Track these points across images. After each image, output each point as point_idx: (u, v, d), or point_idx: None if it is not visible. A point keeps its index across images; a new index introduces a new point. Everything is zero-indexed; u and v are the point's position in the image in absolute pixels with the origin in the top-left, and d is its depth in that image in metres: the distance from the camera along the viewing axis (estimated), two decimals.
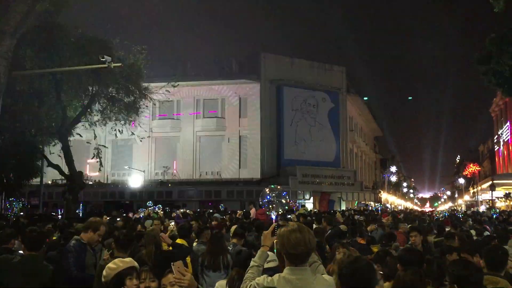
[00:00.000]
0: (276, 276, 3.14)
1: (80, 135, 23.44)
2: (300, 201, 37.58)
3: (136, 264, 3.78)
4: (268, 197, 8.75)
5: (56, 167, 22.88)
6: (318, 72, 42.68)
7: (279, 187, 9.07)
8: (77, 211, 20.59)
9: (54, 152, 24.36)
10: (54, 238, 8.78)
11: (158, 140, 41.16)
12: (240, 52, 44.83)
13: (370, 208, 37.33)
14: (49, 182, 35.54)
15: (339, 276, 3.08)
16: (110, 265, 3.67)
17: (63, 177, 24.61)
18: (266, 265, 4.28)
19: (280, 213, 9.15)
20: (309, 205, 37.66)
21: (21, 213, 22.15)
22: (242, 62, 41.75)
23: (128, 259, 3.76)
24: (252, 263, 3.41)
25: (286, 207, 9.33)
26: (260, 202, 9.49)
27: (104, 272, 3.50)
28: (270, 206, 8.68)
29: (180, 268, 3.17)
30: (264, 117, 39.78)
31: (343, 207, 37.69)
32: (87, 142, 25.85)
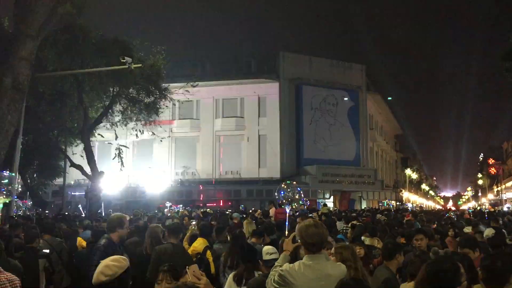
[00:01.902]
0: (296, 263, 3.72)
1: (102, 136, 23.75)
2: (320, 200, 37.43)
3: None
4: (283, 192, 8.80)
5: (79, 167, 23.21)
6: (337, 70, 42.39)
7: (294, 183, 9.20)
8: (99, 211, 20.83)
9: (76, 153, 24.72)
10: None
11: (178, 140, 41.42)
12: (259, 52, 44.62)
13: (392, 206, 36.97)
14: (72, 182, 36.11)
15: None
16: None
17: (85, 177, 24.96)
18: (268, 257, 4.87)
19: (294, 207, 9.27)
20: (329, 204, 37.46)
21: (46, 212, 22.55)
22: (261, 62, 41.68)
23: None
24: (276, 263, 3.97)
25: (301, 202, 9.46)
26: (276, 196, 9.60)
27: (109, 271, 3.38)
28: (285, 201, 8.81)
29: (195, 272, 3.16)
30: (283, 116, 39.69)
31: (364, 206, 37.37)
32: (109, 143, 26.17)
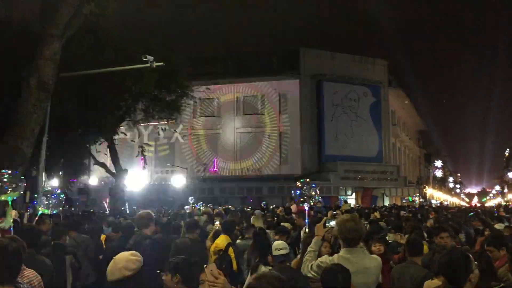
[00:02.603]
0: (335, 255, 3.86)
1: (125, 134, 24.03)
2: (342, 197, 37.20)
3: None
4: (299, 191, 8.85)
5: (102, 165, 23.57)
6: (359, 66, 41.96)
7: (308, 180, 9.24)
8: (122, 208, 21.12)
9: (100, 151, 25.08)
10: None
11: (199, 137, 41.67)
12: (280, 48, 44.48)
13: (416, 203, 36.50)
14: (96, 180, 36.68)
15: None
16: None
17: (109, 175, 25.32)
18: (277, 253, 4.99)
19: (311, 204, 9.32)
20: (352, 201, 37.19)
21: (72, 209, 22.95)
22: (282, 58, 41.52)
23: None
24: (309, 248, 4.20)
25: (317, 198, 9.49)
26: (293, 195, 9.69)
27: (133, 265, 3.42)
28: (302, 199, 8.90)
29: (213, 271, 3.16)
30: (305, 113, 39.50)
31: (386, 203, 36.99)
32: (131, 141, 26.49)
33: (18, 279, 3.49)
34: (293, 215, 12.99)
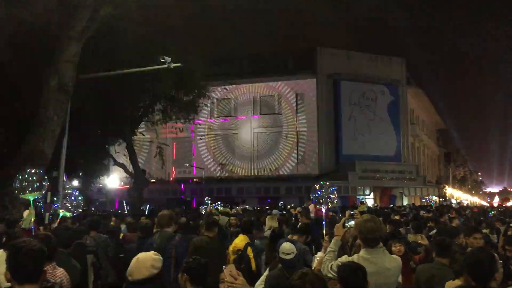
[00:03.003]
0: (355, 256, 3.86)
1: (143, 134, 24.23)
2: (361, 197, 36.93)
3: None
4: (319, 192, 8.89)
5: (121, 165, 23.80)
6: (376, 64, 41.61)
7: (327, 183, 9.29)
8: (141, 208, 21.30)
9: (119, 152, 25.33)
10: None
11: (216, 137, 41.81)
12: (296, 48, 44.33)
13: (434, 203, 36.04)
14: (115, 180, 37.08)
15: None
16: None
17: (128, 175, 25.57)
18: (285, 257, 4.90)
19: (329, 206, 9.37)
20: (370, 200, 36.88)
21: (92, 209, 23.24)
22: (298, 58, 41.41)
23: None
24: (329, 248, 4.24)
25: (335, 202, 9.58)
26: (311, 197, 9.70)
27: (158, 263, 3.51)
28: (320, 201, 8.97)
29: (232, 272, 3.15)
30: (321, 112, 39.33)
31: (405, 203, 36.61)
32: (150, 141, 26.69)
33: (50, 278, 3.56)
34: (311, 215, 12.94)
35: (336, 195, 9.43)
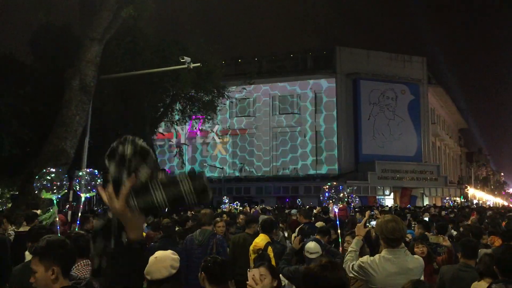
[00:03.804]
0: (376, 256, 3.83)
1: (163, 134, 24.41)
2: (381, 197, 36.61)
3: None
4: (327, 193, 8.98)
5: None
6: (396, 64, 41.18)
7: (334, 183, 9.43)
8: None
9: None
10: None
11: (235, 137, 41.91)
12: (315, 47, 44.15)
13: (453, 204, 35.53)
14: None
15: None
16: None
17: None
18: (310, 256, 4.97)
19: (340, 206, 9.45)
20: (389, 201, 36.54)
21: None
22: (317, 57, 41.26)
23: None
24: (350, 248, 4.25)
25: (346, 200, 9.68)
26: (321, 198, 9.78)
27: (176, 263, 3.56)
28: (330, 202, 9.09)
29: (255, 277, 3.15)
30: (341, 112, 39.11)
31: (426, 203, 36.15)
32: (169, 141, 26.89)
33: (79, 274, 3.64)
34: (330, 215, 12.89)
35: (346, 194, 9.53)
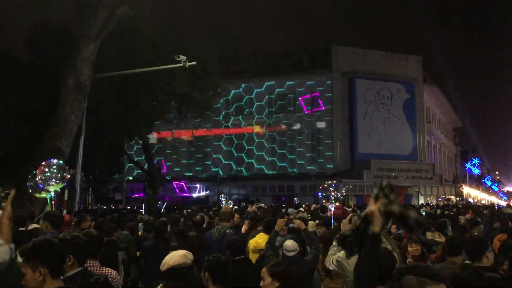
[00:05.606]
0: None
1: (159, 133, 24.32)
2: None
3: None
4: (320, 194, 9.28)
5: (138, 164, 23.95)
6: (392, 62, 41.28)
7: (329, 182, 9.70)
8: (158, 206, 21.44)
9: (139, 146, 25.47)
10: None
11: (231, 136, 41.84)
12: (311, 46, 44.22)
13: (451, 202, 35.64)
14: (131, 178, 37.39)
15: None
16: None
17: (144, 174, 25.73)
18: (288, 254, 5.07)
19: (336, 204, 9.66)
20: None
21: (112, 207, 23.45)
22: (314, 56, 41.30)
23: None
24: (334, 243, 4.55)
25: (340, 196, 9.95)
26: (320, 195, 10.10)
27: (191, 256, 3.66)
28: (324, 201, 9.38)
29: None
30: (337, 111, 39.17)
31: (421, 202, 36.26)
32: (165, 140, 26.82)
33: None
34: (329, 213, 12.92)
35: (342, 192, 9.76)
